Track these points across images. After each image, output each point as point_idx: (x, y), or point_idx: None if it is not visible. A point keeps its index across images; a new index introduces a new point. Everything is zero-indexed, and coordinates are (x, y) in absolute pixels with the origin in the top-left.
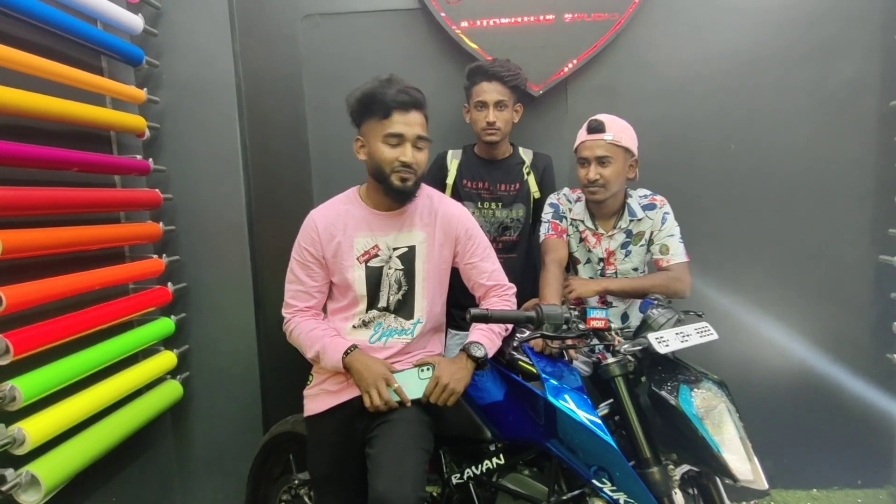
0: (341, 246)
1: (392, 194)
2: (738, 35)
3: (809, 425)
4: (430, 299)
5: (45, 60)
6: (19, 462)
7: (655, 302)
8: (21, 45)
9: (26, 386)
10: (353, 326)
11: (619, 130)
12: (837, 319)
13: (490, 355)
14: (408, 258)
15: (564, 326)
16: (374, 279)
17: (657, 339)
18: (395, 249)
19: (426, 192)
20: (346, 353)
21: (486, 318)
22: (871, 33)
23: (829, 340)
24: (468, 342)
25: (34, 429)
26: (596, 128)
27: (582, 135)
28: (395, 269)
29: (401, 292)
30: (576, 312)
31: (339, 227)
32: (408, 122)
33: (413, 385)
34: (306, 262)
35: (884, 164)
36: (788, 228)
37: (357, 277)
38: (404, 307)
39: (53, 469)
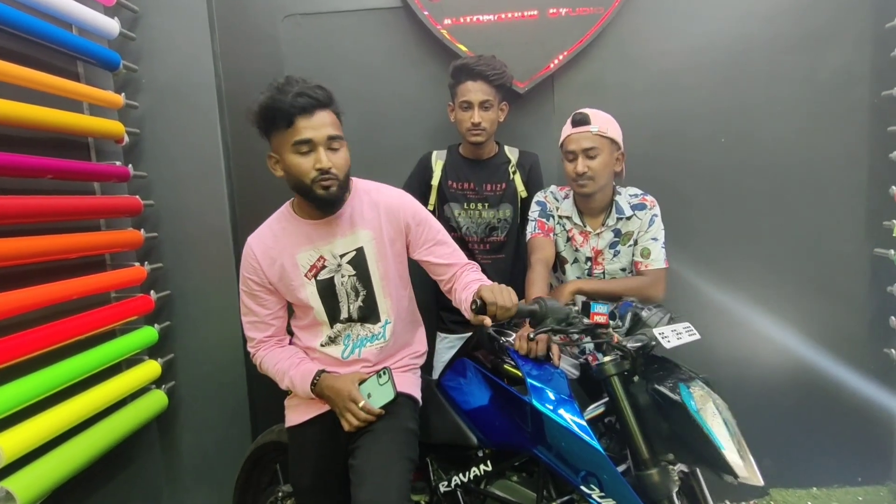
0: (284, 267)
1: (318, 204)
2: (726, 26)
3: (808, 422)
4: (394, 297)
5: (19, 67)
6: None
7: (633, 304)
8: None
9: (0, 399)
10: (322, 344)
11: (604, 122)
12: (834, 314)
13: None
14: (358, 262)
15: (565, 323)
16: (328, 291)
17: (660, 334)
18: (342, 256)
19: (362, 186)
20: (313, 384)
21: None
22: (862, 22)
23: (826, 336)
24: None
25: (9, 443)
26: (581, 120)
27: (567, 129)
28: (349, 276)
29: (360, 298)
30: (577, 308)
31: (278, 248)
32: (314, 126)
33: (377, 394)
34: (253, 292)
35: (877, 156)
36: (782, 222)
37: (310, 294)
38: (368, 313)
39: (30, 484)
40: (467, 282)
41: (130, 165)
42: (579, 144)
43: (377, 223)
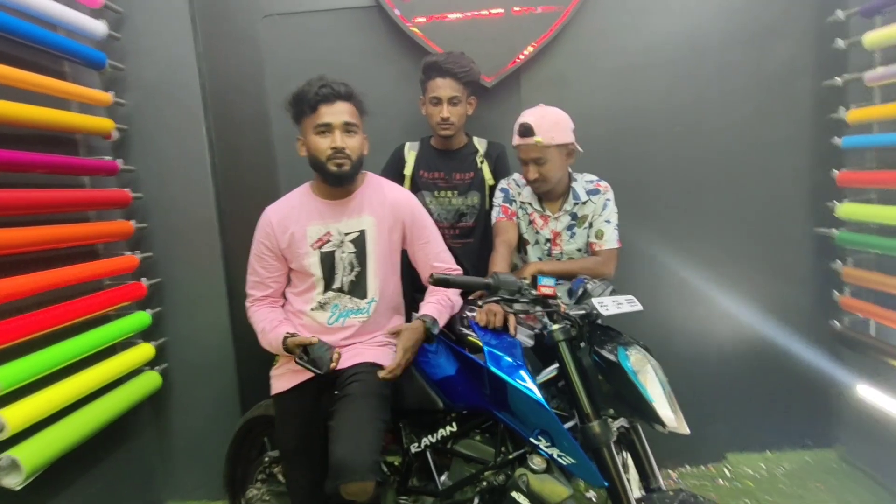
0: (295, 236)
1: (331, 180)
2: (678, 22)
3: (760, 391)
4: (382, 279)
5: (11, 68)
6: (2, 448)
7: (585, 280)
8: None
9: (4, 375)
10: (312, 309)
11: (548, 130)
12: (781, 289)
13: (437, 330)
14: (359, 242)
15: (517, 294)
16: (328, 263)
17: (599, 303)
18: (346, 234)
19: (374, 180)
20: (285, 347)
21: (447, 283)
22: (807, 17)
23: (775, 309)
24: (424, 314)
25: (13, 416)
26: (525, 132)
27: (515, 137)
28: (348, 253)
29: (353, 273)
30: (527, 281)
31: (293, 218)
32: (333, 112)
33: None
34: (262, 255)
35: (820, 140)
36: (733, 204)
37: (312, 263)
38: (357, 287)
39: (34, 453)
40: (424, 302)
41: (121, 160)
42: (528, 154)
43: (381, 213)
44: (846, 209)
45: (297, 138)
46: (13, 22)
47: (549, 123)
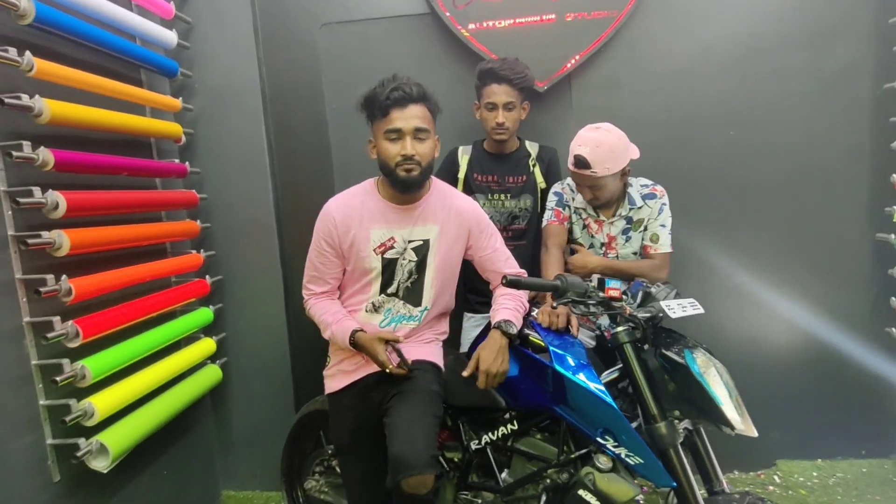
0: (357, 237)
1: (399, 187)
2: (734, 23)
3: (814, 398)
4: (438, 289)
5: (95, 76)
6: (89, 433)
7: (644, 283)
8: (72, 63)
9: (94, 366)
10: (366, 311)
11: (603, 161)
12: (839, 296)
13: (515, 330)
14: (422, 251)
15: (584, 296)
16: (389, 269)
17: (667, 306)
18: (409, 242)
19: (440, 187)
20: (352, 342)
21: (518, 284)
22: (866, 18)
23: (831, 316)
24: (501, 320)
25: (101, 403)
26: (580, 165)
27: (570, 164)
28: (409, 261)
29: (410, 280)
30: (593, 284)
31: (356, 219)
32: (405, 117)
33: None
34: (323, 251)
35: (879, 145)
36: (789, 210)
37: (374, 267)
38: (412, 294)
39: (119, 439)
40: (497, 307)
41: (187, 162)
42: (583, 181)
43: (446, 222)
44: None
45: (369, 140)
46: (101, 34)
47: (605, 153)
